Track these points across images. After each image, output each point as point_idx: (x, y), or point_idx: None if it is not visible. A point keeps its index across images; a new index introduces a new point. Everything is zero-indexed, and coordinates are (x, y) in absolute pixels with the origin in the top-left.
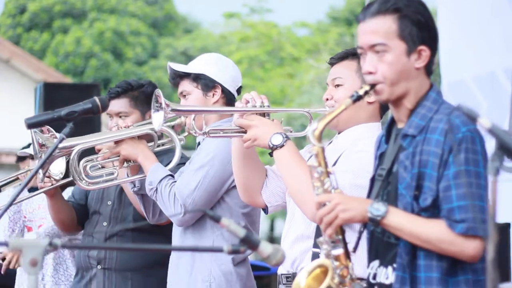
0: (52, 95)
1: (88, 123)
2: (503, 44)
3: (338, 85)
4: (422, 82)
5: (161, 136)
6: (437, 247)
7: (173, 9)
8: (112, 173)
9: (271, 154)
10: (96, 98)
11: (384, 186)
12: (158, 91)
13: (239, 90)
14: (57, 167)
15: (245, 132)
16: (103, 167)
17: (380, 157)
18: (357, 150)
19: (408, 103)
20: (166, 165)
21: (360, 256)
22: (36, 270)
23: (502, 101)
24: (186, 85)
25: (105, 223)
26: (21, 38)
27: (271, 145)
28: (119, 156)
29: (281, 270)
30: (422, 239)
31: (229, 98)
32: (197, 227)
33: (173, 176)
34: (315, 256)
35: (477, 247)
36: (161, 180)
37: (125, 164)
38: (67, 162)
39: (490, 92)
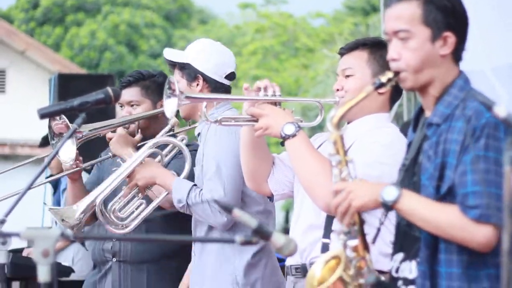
0: (66, 86)
1: (102, 114)
2: None
3: (348, 76)
4: (448, 69)
5: (164, 147)
6: (448, 233)
7: (187, 0)
8: (141, 204)
9: (282, 144)
10: (109, 88)
11: (410, 177)
12: (172, 78)
13: (231, 76)
14: (67, 154)
15: (256, 121)
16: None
17: (408, 147)
18: (369, 141)
19: (434, 91)
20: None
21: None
22: (48, 260)
23: None
24: (176, 74)
25: None
26: (35, 32)
27: (283, 135)
28: (137, 187)
29: (290, 261)
30: (433, 224)
31: (214, 87)
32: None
33: (195, 184)
34: (325, 246)
35: (489, 234)
36: (188, 194)
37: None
38: (78, 148)
39: (509, 83)
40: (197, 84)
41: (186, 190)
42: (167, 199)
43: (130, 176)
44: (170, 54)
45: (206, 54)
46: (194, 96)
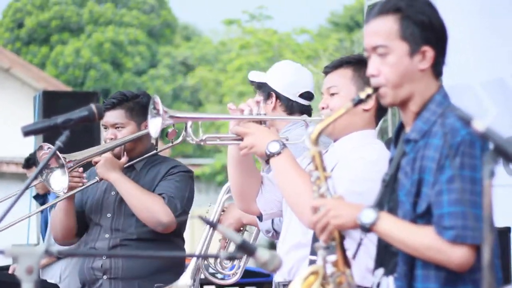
0: (51, 103)
1: (87, 131)
2: (507, 49)
3: (333, 94)
4: (428, 84)
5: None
6: (425, 255)
7: (171, 16)
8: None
9: (267, 162)
10: (93, 105)
11: (390, 193)
12: (156, 98)
13: (306, 96)
14: (59, 184)
15: (241, 139)
16: None
17: (390, 162)
18: (356, 157)
19: (413, 106)
20: (163, 175)
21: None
22: (32, 277)
23: (509, 106)
24: (257, 94)
25: (107, 235)
26: (21, 52)
27: (268, 153)
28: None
29: (277, 278)
30: (410, 247)
31: (287, 105)
32: None
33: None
34: (312, 263)
35: (465, 255)
36: (272, 222)
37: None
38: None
39: (498, 97)
40: (271, 102)
41: (269, 220)
42: (156, 220)
43: (213, 229)
44: (253, 75)
45: (282, 74)
46: (178, 116)
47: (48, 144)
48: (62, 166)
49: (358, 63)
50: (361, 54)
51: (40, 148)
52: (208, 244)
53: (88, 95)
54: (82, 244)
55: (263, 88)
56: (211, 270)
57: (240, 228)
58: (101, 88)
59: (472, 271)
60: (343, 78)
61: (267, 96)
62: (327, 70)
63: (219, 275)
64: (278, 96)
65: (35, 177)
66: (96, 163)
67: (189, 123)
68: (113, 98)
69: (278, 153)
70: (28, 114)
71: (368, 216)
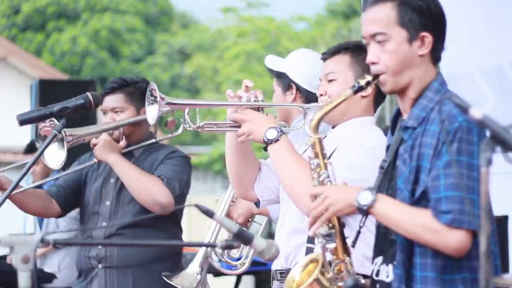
0: (48, 92)
1: (83, 119)
2: (506, 37)
3: (331, 80)
4: (427, 70)
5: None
6: (421, 237)
7: (167, 4)
8: None
9: (265, 149)
10: (89, 94)
11: (388, 180)
12: (153, 84)
13: None
14: (55, 159)
15: (239, 126)
16: None
17: (387, 150)
18: (354, 145)
19: (411, 93)
20: (162, 160)
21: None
22: (28, 266)
23: (507, 94)
24: (275, 83)
25: (104, 223)
26: (16, 39)
27: (266, 140)
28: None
29: (275, 265)
30: (407, 229)
31: (306, 97)
32: None
33: None
34: (309, 251)
35: (461, 239)
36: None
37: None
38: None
39: (497, 85)
40: (291, 93)
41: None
42: (155, 201)
43: (221, 226)
44: (270, 62)
45: (302, 65)
46: (175, 102)
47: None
48: (61, 140)
49: (356, 49)
50: (359, 41)
51: (42, 121)
52: (217, 233)
53: (85, 83)
54: (80, 234)
55: (282, 79)
56: (217, 259)
57: (249, 220)
58: (98, 76)
59: (469, 258)
60: (341, 64)
61: (287, 87)
62: (325, 57)
63: (225, 265)
64: (298, 88)
65: (37, 159)
66: (95, 145)
67: (186, 110)
68: (113, 83)
69: (276, 140)
70: (25, 102)
71: (365, 197)
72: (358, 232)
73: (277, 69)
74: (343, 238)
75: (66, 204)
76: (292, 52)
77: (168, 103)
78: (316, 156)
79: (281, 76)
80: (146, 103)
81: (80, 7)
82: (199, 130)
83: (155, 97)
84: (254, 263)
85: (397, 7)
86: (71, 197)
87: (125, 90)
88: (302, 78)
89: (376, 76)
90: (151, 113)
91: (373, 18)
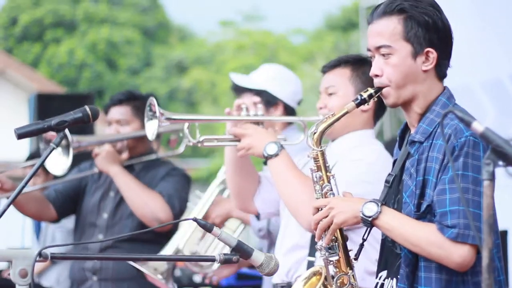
0: (45, 105)
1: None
2: (505, 50)
3: (331, 94)
4: (432, 85)
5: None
6: (426, 250)
7: (165, 17)
8: (219, 243)
9: (265, 163)
10: (87, 107)
11: (395, 194)
12: (152, 99)
13: (299, 102)
14: (59, 166)
15: (239, 140)
16: None
17: (394, 164)
18: (354, 159)
19: (417, 108)
20: (163, 176)
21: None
22: (26, 281)
23: (507, 107)
24: (248, 99)
25: (100, 236)
26: (13, 50)
27: (266, 155)
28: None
29: (275, 279)
30: (411, 242)
31: (290, 113)
32: None
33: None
34: (310, 265)
35: (465, 254)
36: (269, 222)
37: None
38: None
39: (497, 98)
40: (276, 109)
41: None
42: (153, 216)
43: (205, 217)
44: (241, 80)
45: (283, 82)
46: (174, 118)
47: None
48: (66, 147)
49: (356, 63)
50: (360, 54)
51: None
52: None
53: (83, 97)
54: (77, 246)
55: (265, 96)
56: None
57: (224, 223)
58: (95, 88)
59: (474, 273)
60: (341, 77)
61: (271, 104)
62: (325, 70)
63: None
64: (284, 105)
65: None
66: (97, 154)
67: (186, 124)
68: (121, 95)
69: (276, 155)
70: (22, 116)
71: (370, 209)
72: (361, 245)
73: (254, 87)
74: (346, 251)
75: (62, 210)
76: (262, 68)
77: (167, 118)
78: (319, 169)
79: (261, 94)
80: (146, 119)
81: (78, 18)
82: (199, 145)
83: (154, 112)
84: (252, 277)
85: (404, 21)
86: (68, 203)
87: (132, 103)
88: (287, 96)
89: (379, 89)
90: (151, 128)
91: (379, 30)
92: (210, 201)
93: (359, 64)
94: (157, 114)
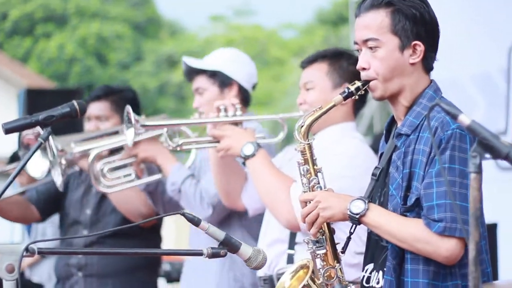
0: (35, 101)
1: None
2: (494, 43)
3: (309, 89)
4: (419, 78)
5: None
6: (413, 246)
7: (156, 11)
8: (129, 174)
9: (244, 164)
10: (75, 102)
11: (381, 187)
12: (128, 108)
13: (254, 86)
14: (38, 168)
15: (218, 142)
16: (119, 168)
17: (380, 157)
18: (334, 153)
19: (404, 101)
20: None
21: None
22: (13, 276)
23: (497, 101)
24: (202, 82)
25: (85, 232)
26: (4, 45)
27: (243, 155)
28: (136, 157)
29: (258, 272)
30: (398, 238)
31: (245, 96)
32: (224, 226)
33: (194, 176)
34: (290, 257)
35: (453, 248)
36: (184, 181)
37: (141, 165)
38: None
39: (486, 91)
40: (231, 90)
41: (183, 176)
42: (136, 211)
43: (135, 144)
44: (195, 62)
45: (239, 63)
46: (150, 124)
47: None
48: (44, 149)
49: (333, 57)
50: (337, 47)
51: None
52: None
53: (72, 92)
54: (62, 242)
55: (219, 77)
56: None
57: (145, 161)
58: (85, 83)
59: (462, 265)
60: (319, 72)
61: (225, 84)
62: (303, 65)
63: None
64: (239, 86)
65: (22, 168)
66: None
67: (165, 129)
68: (98, 90)
69: (253, 155)
70: (12, 111)
71: (357, 206)
72: (348, 238)
73: (208, 67)
74: (333, 244)
75: (45, 211)
76: (217, 51)
77: (143, 126)
78: (306, 162)
79: (215, 74)
80: (125, 127)
81: (68, 12)
82: (178, 148)
83: (130, 119)
84: None
85: (391, 14)
86: (51, 203)
87: (110, 98)
88: (243, 77)
89: (366, 82)
90: (129, 136)
91: (366, 23)
92: (149, 135)
93: (337, 58)
94: (133, 121)
